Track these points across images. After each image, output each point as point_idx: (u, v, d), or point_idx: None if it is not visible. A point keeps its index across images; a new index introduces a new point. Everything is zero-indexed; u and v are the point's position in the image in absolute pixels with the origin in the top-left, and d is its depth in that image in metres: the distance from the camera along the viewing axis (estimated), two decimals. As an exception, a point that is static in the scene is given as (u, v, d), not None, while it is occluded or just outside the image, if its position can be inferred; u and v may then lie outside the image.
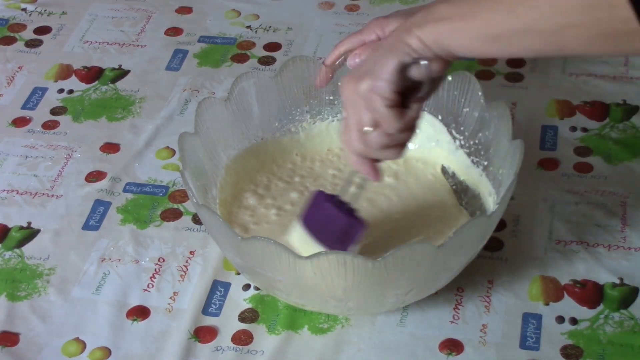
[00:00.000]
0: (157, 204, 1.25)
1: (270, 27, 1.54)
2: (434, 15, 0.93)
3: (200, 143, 1.14)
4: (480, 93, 1.16)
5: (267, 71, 1.44)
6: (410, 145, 1.21)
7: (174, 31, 1.54)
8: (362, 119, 0.97)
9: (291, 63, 1.20)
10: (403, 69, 0.94)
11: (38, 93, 1.43)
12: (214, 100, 1.17)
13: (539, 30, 0.86)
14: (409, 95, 0.97)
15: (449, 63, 0.96)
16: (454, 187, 1.19)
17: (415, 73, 0.95)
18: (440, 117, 1.21)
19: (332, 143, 1.25)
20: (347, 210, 1.06)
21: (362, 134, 0.98)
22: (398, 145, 1.00)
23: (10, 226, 1.23)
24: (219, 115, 1.17)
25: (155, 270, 1.17)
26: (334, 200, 1.06)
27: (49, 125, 1.38)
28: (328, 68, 1.12)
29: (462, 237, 1.00)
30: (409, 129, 0.99)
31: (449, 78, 1.17)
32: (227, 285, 1.15)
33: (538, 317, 1.10)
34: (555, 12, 0.85)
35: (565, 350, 1.07)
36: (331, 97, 1.23)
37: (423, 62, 0.94)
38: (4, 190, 1.28)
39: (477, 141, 1.17)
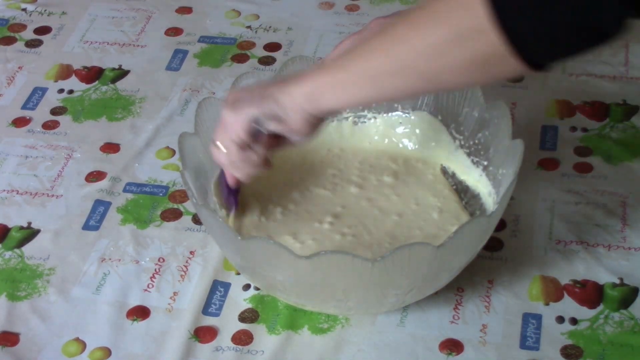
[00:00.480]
0: (157, 204, 1.25)
1: (270, 27, 1.54)
2: (314, 72, 0.97)
3: (200, 143, 1.14)
4: (480, 93, 1.16)
5: (267, 71, 1.44)
6: (410, 145, 1.23)
7: (174, 31, 1.54)
8: (216, 134, 1.05)
9: (291, 63, 1.20)
10: (259, 120, 1.01)
11: (38, 93, 1.43)
12: (214, 100, 1.17)
13: (416, 67, 0.89)
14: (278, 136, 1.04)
15: (313, 128, 1.01)
16: (454, 187, 1.19)
17: (270, 127, 1.01)
18: (440, 117, 1.21)
19: (331, 143, 1.24)
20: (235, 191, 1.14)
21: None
22: (242, 170, 1.07)
23: (10, 226, 1.23)
24: (219, 115, 1.17)
25: (155, 270, 1.17)
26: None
27: (49, 125, 1.38)
28: (328, 68, 1.12)
29: (462, 237, 1.00)
30: (254, 166, 1.05)
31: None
32: (227, 285, 1.15)
33: (538, 317, 1.10)
34: (428, 48, 0.87)
35: (565, 350, 1.07)
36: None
37: (265, 129, 1.02)
38: (4, 190, 1.28)
39: (477, 141, 1.17)
